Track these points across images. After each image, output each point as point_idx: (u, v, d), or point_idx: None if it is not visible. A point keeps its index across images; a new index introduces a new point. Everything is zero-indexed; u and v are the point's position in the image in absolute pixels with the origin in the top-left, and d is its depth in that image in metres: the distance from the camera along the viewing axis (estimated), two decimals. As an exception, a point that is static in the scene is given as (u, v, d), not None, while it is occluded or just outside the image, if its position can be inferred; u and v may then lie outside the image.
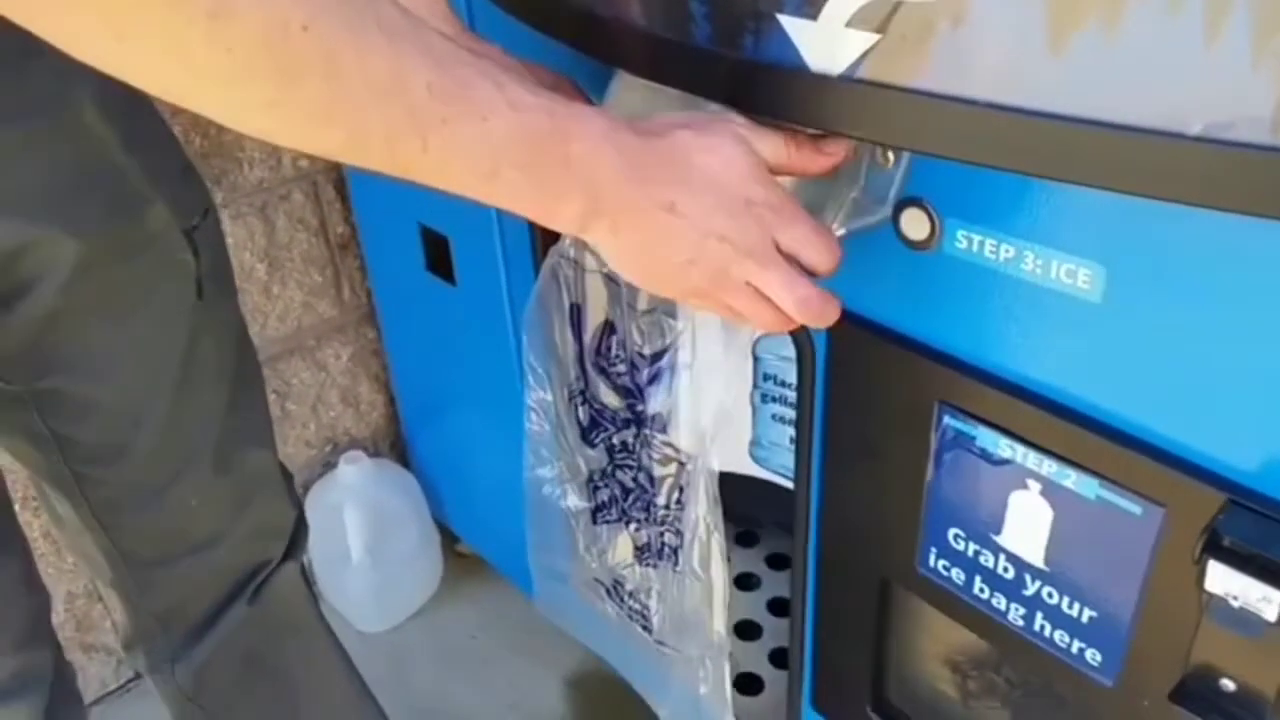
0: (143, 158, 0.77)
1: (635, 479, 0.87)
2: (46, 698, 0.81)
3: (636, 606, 0.93)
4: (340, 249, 1.56)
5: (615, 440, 0.88)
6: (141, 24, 0.41)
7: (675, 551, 0.85)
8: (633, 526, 0.90)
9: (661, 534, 0.86)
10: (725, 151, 0.58)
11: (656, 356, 0.78)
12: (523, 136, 0.52)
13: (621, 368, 0.82)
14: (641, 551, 0.91)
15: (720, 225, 0.57)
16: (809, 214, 0.60)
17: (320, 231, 1.53)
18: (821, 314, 0.61)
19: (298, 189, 1.48)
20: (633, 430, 0.85)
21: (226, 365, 0.89)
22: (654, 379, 0.79)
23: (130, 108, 0.75)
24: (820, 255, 0.60)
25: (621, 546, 0.93)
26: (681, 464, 0.81)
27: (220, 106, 0.46)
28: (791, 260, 0.60)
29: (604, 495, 0.92)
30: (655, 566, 0.89)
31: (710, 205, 0.57)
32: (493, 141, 0.51)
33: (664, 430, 0.81)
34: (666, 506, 0.85)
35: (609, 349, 0.83)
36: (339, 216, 1.54)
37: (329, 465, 1.63)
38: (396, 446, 1.75)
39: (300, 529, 1.03)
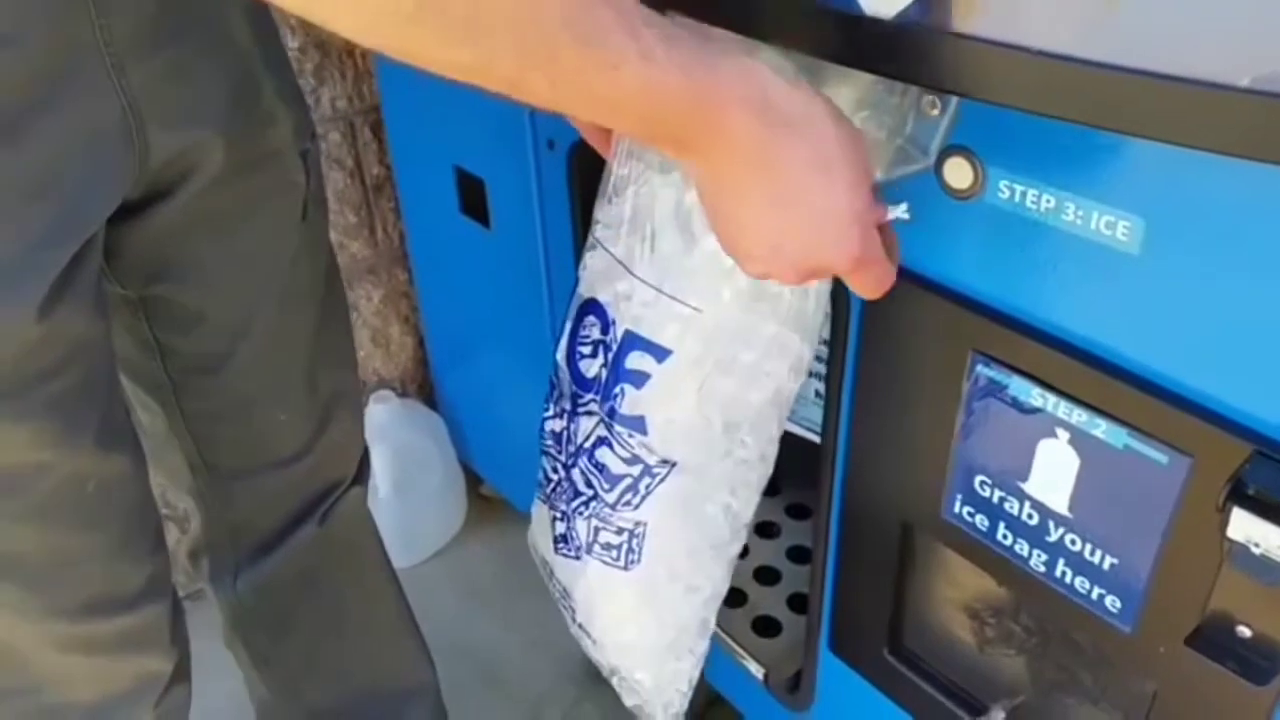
0: (276, 78, 0.80)
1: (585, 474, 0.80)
2: (171, 601, 0.84)
3: (558, 591, 0.90)
4: (375, 190, 1.57)
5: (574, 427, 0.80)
6: None
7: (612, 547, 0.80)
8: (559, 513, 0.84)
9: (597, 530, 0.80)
10: (859, 144, 0.58)
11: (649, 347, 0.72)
12: (651, 92, 0.51)
13: (588, 349, 0.77)
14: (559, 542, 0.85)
15: (851, 202, 0.58)
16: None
17: (355, 172, 1.54)
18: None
19: (335, 129, 1.49)
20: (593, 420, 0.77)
21: (318, 286, 0.92)
22: (637, 378, 0.73)
23: (268, 30, 0.79)
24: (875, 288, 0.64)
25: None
26: (648, 466, 0.75)
27: (353, 18, 0.46)
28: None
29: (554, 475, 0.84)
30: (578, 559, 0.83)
31: (847, 184, 0.57)
32: (619, 92, 0.51)
33: (643, 432, 0.74)
34: (614, 506, 0.79)
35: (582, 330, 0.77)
36: (374, 157, 1.55)
37: (358, 404, 1.66)
38: (424, 388, 1.77)
39: (366, 454, 1.06)
